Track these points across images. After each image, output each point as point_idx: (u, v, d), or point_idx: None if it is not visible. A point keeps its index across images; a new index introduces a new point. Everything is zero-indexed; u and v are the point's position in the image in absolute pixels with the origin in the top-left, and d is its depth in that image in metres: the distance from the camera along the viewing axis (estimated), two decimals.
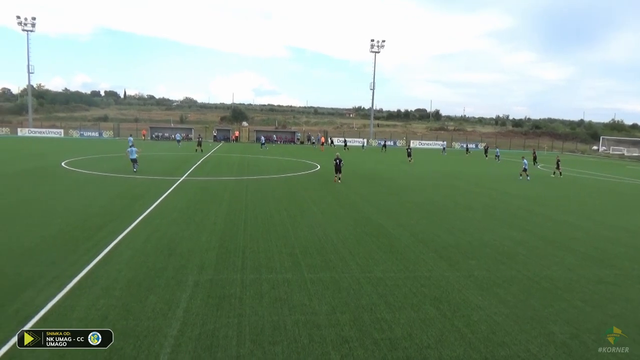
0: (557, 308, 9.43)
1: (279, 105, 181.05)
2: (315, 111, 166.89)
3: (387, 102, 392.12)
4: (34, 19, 73.58)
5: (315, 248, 13.04)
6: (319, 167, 36.50)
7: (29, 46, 74.96)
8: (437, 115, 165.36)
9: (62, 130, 75.72)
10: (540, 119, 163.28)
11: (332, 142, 71.66)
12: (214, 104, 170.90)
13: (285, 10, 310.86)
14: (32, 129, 75.04)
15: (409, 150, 48.92)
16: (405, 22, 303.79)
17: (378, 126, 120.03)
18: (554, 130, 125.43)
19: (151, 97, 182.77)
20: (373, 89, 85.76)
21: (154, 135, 73.09)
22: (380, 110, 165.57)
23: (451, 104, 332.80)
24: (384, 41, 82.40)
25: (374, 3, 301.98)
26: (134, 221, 15.24)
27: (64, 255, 11.46)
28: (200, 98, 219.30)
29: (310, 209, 18.83)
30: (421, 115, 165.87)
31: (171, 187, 22.90)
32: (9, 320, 7.88)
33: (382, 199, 22.05)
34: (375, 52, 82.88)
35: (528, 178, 32.53)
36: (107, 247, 12.24)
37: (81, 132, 75.75)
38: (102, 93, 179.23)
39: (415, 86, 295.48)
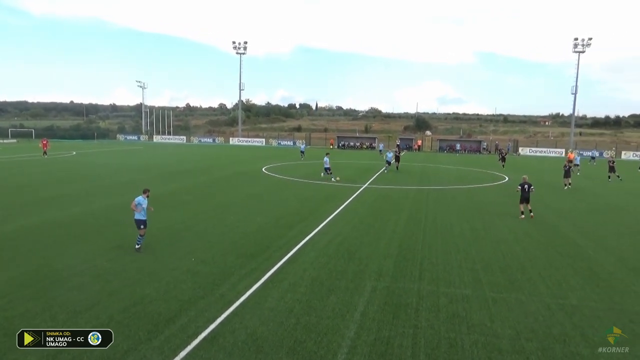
0: None
1: (464, 114, 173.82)
2: (505, 119, 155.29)
3: (593, 108, 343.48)
4: (245, 42, 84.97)
5: (498, 265, 12.18)
6: (506, 179, 34.01)
7: (241, 67, 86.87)
8: None
9: (263, 140, 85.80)
10: None
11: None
12: (397, 114, 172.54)
13: (477, 14, 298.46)
14: (241, 138, 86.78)
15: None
16: (617, 16, 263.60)
17: (580, 135, 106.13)
18: None
19: (339, 108, 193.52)
20: (575, 93, 76.26)
21: (340, 144, 77.40)
22: (584, 117, 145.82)
23: None
24: (590, 39, 72.95)
25: None
26: (319, 224, 16.35)
27: (261, 250, 12.93)
28: (385, 108, 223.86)
29: (494, 222, 17.65)
30: (636, 122, 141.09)
31: (354, 193, 23.93)
32: (217, 301, 9.23)
33: (581, 217, 19.45)
34: (579, 52, 73.76)
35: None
36: (295, 246, 13.40)
37: (279, 141, 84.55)
38: (297, 105, 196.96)
39: (629, 89, 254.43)
